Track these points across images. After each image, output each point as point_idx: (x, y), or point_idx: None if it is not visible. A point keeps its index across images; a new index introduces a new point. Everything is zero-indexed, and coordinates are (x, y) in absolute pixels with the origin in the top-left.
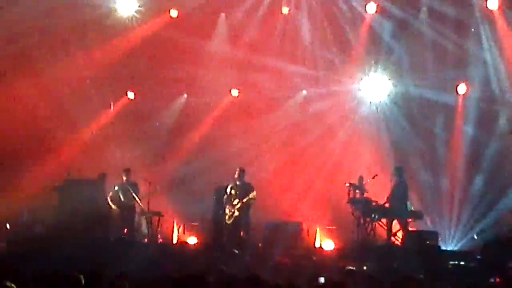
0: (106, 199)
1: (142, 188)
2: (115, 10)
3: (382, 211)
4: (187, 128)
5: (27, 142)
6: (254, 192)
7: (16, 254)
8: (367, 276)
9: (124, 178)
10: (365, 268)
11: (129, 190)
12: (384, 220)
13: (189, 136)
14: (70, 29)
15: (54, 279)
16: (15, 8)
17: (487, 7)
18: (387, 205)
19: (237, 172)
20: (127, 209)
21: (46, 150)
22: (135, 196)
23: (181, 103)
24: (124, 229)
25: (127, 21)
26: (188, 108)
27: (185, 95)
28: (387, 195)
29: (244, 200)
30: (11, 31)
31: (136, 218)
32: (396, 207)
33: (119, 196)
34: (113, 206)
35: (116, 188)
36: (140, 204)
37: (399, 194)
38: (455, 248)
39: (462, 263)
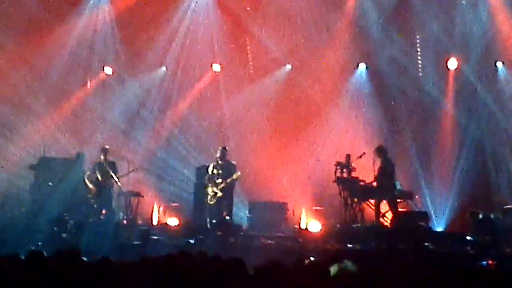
0: (83, 178)
1: (121, 167)
2: None
3: (369, 191)
4: (167, 104)
5: (2, 119)
6: (239, 173)
7: None
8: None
9: (102, 157)
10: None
11: (107, 169)
12: (372, 201)
13: (169, 112)
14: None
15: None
16: None
17: None
18: (374, 184)
19: (219, 151)
20: (105, 188)
21: (22, 126)
22: (113, 175)
23: (160, 76)
24: (102, 210)
25: None
26: (167, 83)
27: (164, 68)
28: (375, 175)
29: (228, 180)
30: None
31: (115, 197)
32: (384, 187)
33: (97, 175)
34: (90, 186)
35: (94, 167)
36: (119, 183)
37: (385, 173)
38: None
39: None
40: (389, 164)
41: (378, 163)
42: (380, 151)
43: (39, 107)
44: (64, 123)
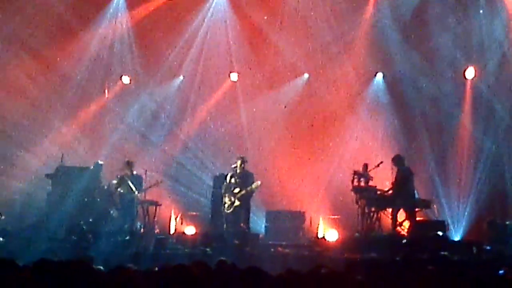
0: (101, 188)
1: (146, 181)
2: None
3: (386, 200)
4: (185, 112)
5: (21, 127)
6: (259, 182)
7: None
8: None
9: (127, 171)
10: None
11: (129, 182)
12: (389, 210)
13: (187, 120)
14: (63, 13)
15: (50, 268)
16: None
17: None
18: (390, 192)
19: (239, 161)
20: (128, 201)
21: (40, 136)
22: (132, 188)
23: (178, 85)
24: (124, 220)
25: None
26: (185, 92)
27: (182, 77)
28: (391, 183)
29: (248, 189)
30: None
31: (136, 210)
32: (401, 196)
33: (123, 189)
34: (115, 199)
35: (119, 180)
36: (138, 194)
37: (402, 182)
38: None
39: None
40: (406, 173)
41: (395, 171)
42: (397, 160)
43: (58, 116)
44: (82, 132)
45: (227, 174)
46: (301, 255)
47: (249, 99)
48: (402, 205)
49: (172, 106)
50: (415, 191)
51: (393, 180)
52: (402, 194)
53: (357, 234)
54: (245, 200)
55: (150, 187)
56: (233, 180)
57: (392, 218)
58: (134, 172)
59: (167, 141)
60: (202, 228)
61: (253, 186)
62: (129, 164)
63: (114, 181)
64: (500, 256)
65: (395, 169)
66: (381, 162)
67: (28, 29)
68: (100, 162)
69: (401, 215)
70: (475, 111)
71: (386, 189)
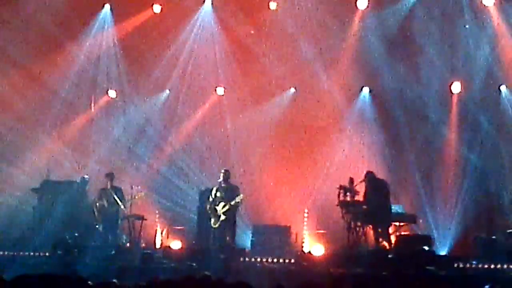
0: (86, 202)
1: (127, 192)
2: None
3: (369, 215)
4: (171, 126)
5: (5, 142)
6: (242, 195)
7: None
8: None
9: (108, 183)
10: None
11: (112, 195)
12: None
13: (173, 135)
14: (49, 26)
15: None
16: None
17: (481, 2)
18: (364, 207)
19: (222, 174)
20: (110, 214)
21: (26, 150)
22: (117, 201)
23: (164, 99)
24: (107, 234)
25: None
26: (171, 106)
27: (168, 91)
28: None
29: (232, 203)
30: None
31: (120, 223)
32: (379, 211)
33: (103, 202)
34: (96, 212)
35: (100, 193)
36: (122, 207)
37: (376, 197)
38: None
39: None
40: (379, 186)
41: (364, 188)
42: (367, 177)
43: (44, 130)
44: (68, 146)
45: (213, 188)
46: (287, 270)
47: (235, 113)
48: (382, 219)
49: (158, 120)
50: (399, 206)
51: (364, 195)
52: (379, 208)
53: (340, 249)
54: (231, 214)
55: (134, 197)
56: (218, 194)
57: (374, 233)
58: (114, 184)
59: (153, 155)
60: (188, 242)
61: (237, 199)
62: (108, 176)
63: (95, 196)
64: (486, 271)
65: (365, 185)
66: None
67: (14, 43)
68: (86, 177)
69: (388, 229)
70: (461, 125)
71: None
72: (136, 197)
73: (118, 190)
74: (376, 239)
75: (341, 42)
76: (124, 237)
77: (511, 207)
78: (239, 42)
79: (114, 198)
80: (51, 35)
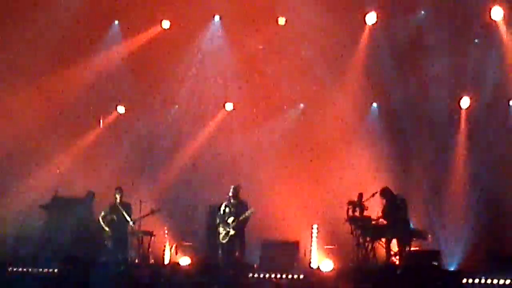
0: (94, 218)
1: (136, 208)
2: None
3: (381, 230)
4: (179, 141)
5: (14, 158)
6: (252, 209)
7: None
8: None
9: (117, 198)
10: None
11: (121, 211)
12: (384, 240)
13: (182, 151)
14: (59, 42)
15: None
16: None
17: (490, 17)
18: (380, 222)
19: (231, 190)
20: (119, 229)
21: (35, 166)
22: (126, 216)
23: (173, 114)
24: (116, 250)
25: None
26: (180, 122)
27: (176, 106)
28: (380, 213)
29: (241, 217)
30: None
31: (129, 239)
32: (393, 226)
33: (112, 217)
34: (105, 227)
35: (109, 208)
36: (131, 224)
37: (392, 213)
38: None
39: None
40: (396, 203)
41: (383, 203)
42: (384, 193)
43: (53, 146)
44: (77, 162)
45: (222, 204)
46: (296, 285)
47: (244, 129)
48: (395, 234)
49: (167, 135)
50: (410, 221)
51: (382, 212)
52: (393, 224)
53: (351, 264)
54: (240, 229)
55: (144, 216)
56: (227, 210)
57: (386, 248)
58: (123, 199)
59: (162, 171)
60: (197, 258)
61: (247, 213)
62: (119, 191)
63: (103, 212)
64: (496, 286)
65: (383, 201)
66: (376, 192)
67: (24, 58)
68: (92, 191)
69: (396, 245)
70: (470, 140)
71: (376, 218)
72: (148, 213)
73: (127, 206)
74: (387, 255)
75: (350, 57)
76: (133, 253)
77: None
78: (248, 57)
79: (122, 214)
80: (61, 51)
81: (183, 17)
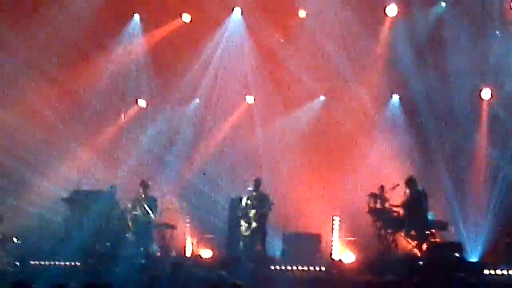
0: (117, 212)
1: (161, 202)
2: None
3: (402, 221)
4: (201, 134)
5: (37, 151)
6: (272, 202)
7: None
8: None
9: (142, 192)
10: None
11: (144, 205)
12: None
13: (203, 144)
14: (79, 38)
15: None
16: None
17: (511, 9)
18: (401, 214)
19: (253, 182)
20: (143, 223)
21: (57, 160)
22: (149, 210)
23: (194, 108)
24: (139, 243)
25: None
26: (201, 115)
27: (197, 100)
28: (401, 205)
29: (262, 210)
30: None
31: (151, 233)
32: (412, 217)
33: (137, 211)
34: (129, 221)
35: (134, 202)
36: (153, 217)
37: (413, 205)
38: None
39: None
40: (419, 195)
41: (407, 194)
42: (409, 182)
43: (74, 140)
44: (99, 156)
45: (243, 197)
46: (318, 277)
47: (265, 122)
48: (414, 227)
49: (188, 129)
50: (430, 213)
51: (404, 201)
52: (414, 216)
53: (373, 256)
54: (261, 222)
55: (167, 208)
56: (249, 202)
57: (406, 240)
58: (148, 193)
59: (183, 164)
60: (219, 251)
61: (268, 206)
62: (143, 185)
63: (129, 204)
64: None
65: (407, 191)
66: (398, 184)
67: (44, 55)
68: (115, 185)
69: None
70: (491, 132)
71: (397, 209)
72: (169, 207)
73: (151, 200)
74: (408, 246)
75: (370, 49)
76: (155, 246)
77: None
78: (268, 50)
79: (145, 207)
80: (80, 46)
81: (204, 10)
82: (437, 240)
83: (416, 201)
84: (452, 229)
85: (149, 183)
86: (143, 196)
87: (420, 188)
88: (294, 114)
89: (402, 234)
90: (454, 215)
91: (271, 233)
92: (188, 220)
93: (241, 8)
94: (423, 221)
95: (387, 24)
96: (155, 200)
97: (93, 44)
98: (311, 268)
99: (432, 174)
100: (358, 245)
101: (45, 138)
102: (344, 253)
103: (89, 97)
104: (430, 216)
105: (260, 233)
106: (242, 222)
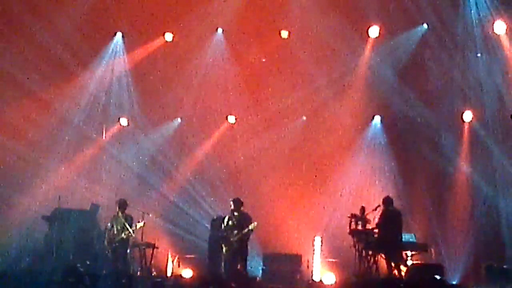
0: (98, 230)
1: (138, 220)
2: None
3: (380, 243)
4: (182, 154)
5: (17, 168)
6: (255, 223)
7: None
8: None
9: (119, 211)
10: None
11: (123, 223)
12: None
13: (185, 163)
14: (61, 55)
15: None
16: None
17: (493, 31)
18: (375, 235)
19: (233, 203)
20: (121, 241)
21: (38, 178)
22: (128, 228)
23: (176, 127)
24: (117, 262)
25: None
26: (182, 134)
27: (179, 119)
28: (376, 225)
29: (244, 231)
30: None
31: (129, 251)
32: (386, 238)
33: (114, 229)
34: (107, 240)
35: (111, 220)
36: (133, 235)
37: (384, 223)
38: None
39: None
40: (391, 214)
41: (379, 212)
42: (385, 201)
43: (55, 158)
44: (79, 174)
45: (225, 217)
46: None
47: (246, 141)
48: (394, 248)
49: (170, 148)
50: (413, 235)
51: (378, 220)
52: (387, 235)
53: (354, 277)
54: (243, 242)
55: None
56: (230, 222)
57: (387, 262)
58: (125, 212)
59: (164, 183)
60: (200, 270)
61: (250, 227)
62: (119, 203)
63: (109, 224)
64: None
65: (380, 209)
66: (378, 206)
67: (25, 71)
68: (97, 204)
69: (399, 258)
70: (472, 154)
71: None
72: (138, 226)
73: (129, 218)
74: (388, 268)
75: (352, 70)
76: (136, 265)
77: None
78: (250, 70)
79: (124, 225)
80: (63, 63)
81: (186, 30)
82: (418, 262)
83: (386, 220)
84: (432, 251)
85: (127, 201)
86: (120, 214)
87: (392, 208)
88: (276, 134)
89: (383, 256)
90: (434, 236)
91: (252, 253)
92: (168, 240)
93: (222, 29)
94: (393, 241)
95: (369, 45)
96: (132, 219)
97: (75, 61)
98: None
99: (413, 195)
100: (339, 266)
101: (26, 155)
102: (324, 274)
103: (71, 114)
104: (411, 237)
105: (241, 253)
106: (224, 242)
